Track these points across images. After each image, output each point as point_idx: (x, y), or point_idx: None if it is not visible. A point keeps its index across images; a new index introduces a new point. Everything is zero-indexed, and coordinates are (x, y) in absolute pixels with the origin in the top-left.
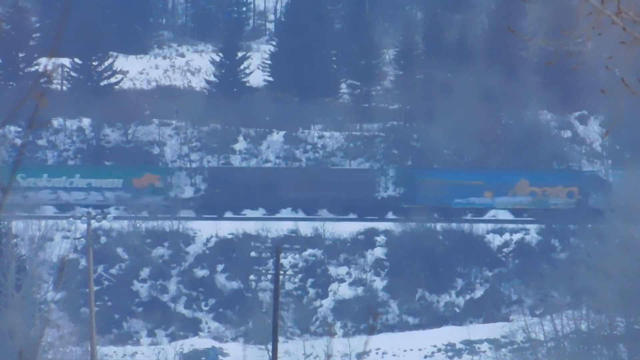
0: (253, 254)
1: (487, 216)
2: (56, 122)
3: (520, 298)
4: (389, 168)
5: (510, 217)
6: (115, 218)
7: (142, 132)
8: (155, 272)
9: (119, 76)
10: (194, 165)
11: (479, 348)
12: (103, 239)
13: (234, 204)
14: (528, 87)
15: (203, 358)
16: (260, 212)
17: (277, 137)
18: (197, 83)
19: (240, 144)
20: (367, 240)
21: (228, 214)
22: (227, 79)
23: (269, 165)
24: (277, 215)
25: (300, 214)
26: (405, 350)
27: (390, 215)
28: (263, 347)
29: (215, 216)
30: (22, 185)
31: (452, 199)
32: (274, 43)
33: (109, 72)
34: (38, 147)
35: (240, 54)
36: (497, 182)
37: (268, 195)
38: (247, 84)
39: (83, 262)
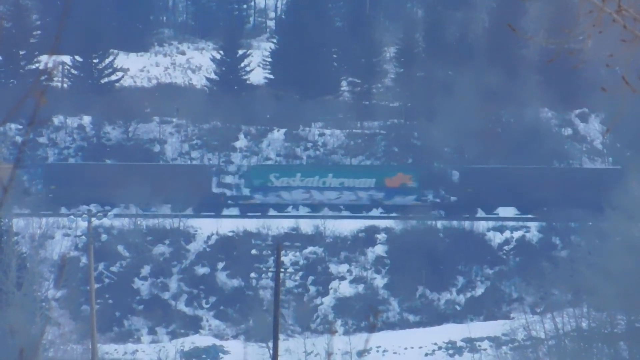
0: (254, 251)
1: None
2: (57, 120)
3: (521, 296)
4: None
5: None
6: (116, 216)
7: (142, 130)
8: (156, 270)
9: (120, 74)
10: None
11: (479, 346)
12: (104, 237)
13: (487, 203)
14: (529, 85)
15: (204, 356)
16: (512, 211)
17: (278, 134)
18: (198, 81)
19: (241, 142)
20: (368, 237)
21: (481, 214)
22: (227, 76)
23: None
24: (527, 216)
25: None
26: (406, 348)
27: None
28: (264, 344)
29: (467, 215)
30: (276, 184)
31: None
32: (274, 41)
33: (110, 70)
34: (39, 144)
35: (240, 52)
36: None
37: (521, 195)
38: (248, 82)
39: (84, 259)
